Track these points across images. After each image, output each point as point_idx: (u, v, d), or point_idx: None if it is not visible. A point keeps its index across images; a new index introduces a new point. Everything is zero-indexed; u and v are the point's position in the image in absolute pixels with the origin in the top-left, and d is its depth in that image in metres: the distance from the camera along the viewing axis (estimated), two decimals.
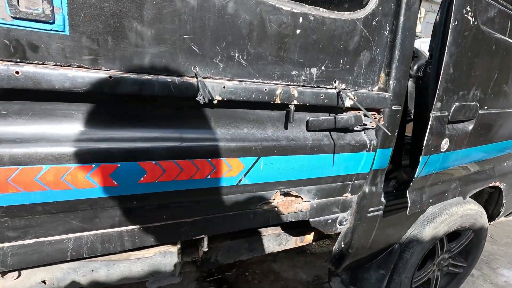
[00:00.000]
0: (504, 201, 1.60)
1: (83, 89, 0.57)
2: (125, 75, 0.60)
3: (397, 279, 1.42)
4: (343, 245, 1.21)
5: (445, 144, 1.03)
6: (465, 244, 1.63)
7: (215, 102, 0.68)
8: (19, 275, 0.87)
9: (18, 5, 0.49)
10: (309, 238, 1.42)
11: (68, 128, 0.61)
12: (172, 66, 0.65)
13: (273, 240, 1.32)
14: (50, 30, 0.53)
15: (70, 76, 0.55)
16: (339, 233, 1.21)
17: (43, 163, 0.58)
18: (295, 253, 2.11)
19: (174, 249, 1.10)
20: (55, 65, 0.56)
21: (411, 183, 1.02)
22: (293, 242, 1.37)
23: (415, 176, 1.00)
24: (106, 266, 1.02)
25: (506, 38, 1.11)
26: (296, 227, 1.33)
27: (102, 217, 0.71)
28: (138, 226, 0.77)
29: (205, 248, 1.05)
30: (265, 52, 0.73)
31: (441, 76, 0.90)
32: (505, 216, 1.89)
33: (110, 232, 0.74)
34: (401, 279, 1.44)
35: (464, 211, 1.46)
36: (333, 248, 1.25)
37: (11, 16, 0.49)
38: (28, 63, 0.53)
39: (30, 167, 0.57)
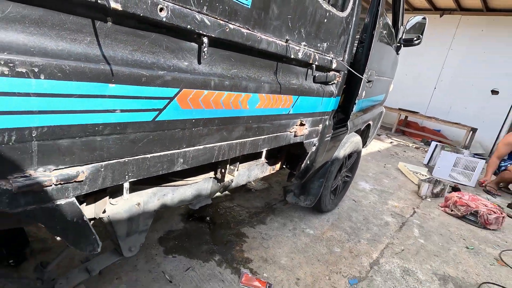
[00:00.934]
0: (370, 134, 2.73)
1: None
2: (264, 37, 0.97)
3: (326, 185, 2.25)
4: (308, 162, 1.87)
5: (364, 94, 1.84)
6: (353, 162, 2.67)
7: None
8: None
9: None
10: (277, 167, 2.00)
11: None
12: (277, 34, 1.05)
13: (260, 168, 1.82)
14: (242, 3, 0.84)
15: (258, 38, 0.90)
16: (295, 162, 1.85)
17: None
18: (244, 192, 2.68)
19: (211, 176, 1.45)
20: (241, 27, 0.87)
21: (350, 116, 1.78)
22: (268, 170, 1.92)
23: (352, 112, 1.76)
24: (172, 190, 1.29)
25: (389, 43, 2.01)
26: (270, 160, 1.88)
27: (235, 130, 1.04)
28: (249, 140, 1.13)
29: (231, 176, 1.45)
30: (312, 30, 1.22)
31: (369, 56, 1.65)
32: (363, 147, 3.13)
33: (233, 143, 1.07)
34: (328, 185, 2.28)
35: (355, 140, 2.42)
36: (301, 166, 1.89)
37: None
38: (230, 23, 0.83)
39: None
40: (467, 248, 2.44)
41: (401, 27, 2.41)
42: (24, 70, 0.49)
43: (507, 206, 3.56)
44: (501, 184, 4.18)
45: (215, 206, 2.34)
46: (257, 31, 0.93)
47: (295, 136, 1.47)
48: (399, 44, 2.45)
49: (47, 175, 0.58)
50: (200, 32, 0.73)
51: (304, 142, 1.61)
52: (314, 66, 1.32)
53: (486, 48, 6.51)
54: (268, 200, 2.62)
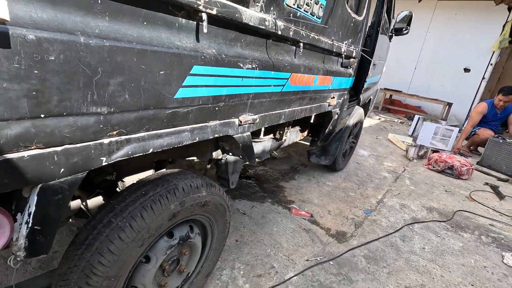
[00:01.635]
0: (369, 107, 3.39)
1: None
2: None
3: (340, 147, 2.90)
4: (331, 127, 2.49)
5: (370, 74, 2.46)
6: (357, 131, 3.33)
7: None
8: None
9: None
10: (305, 134, 2.61)
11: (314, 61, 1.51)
12: (327, 36, 1.63)
13: (296, 134, 2.43)
14: (315, 21, 1.42)
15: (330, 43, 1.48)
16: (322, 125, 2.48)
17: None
18: (272, 160, 3.30)
19: (272, 137, 2.04)
20: (315, 35, 1.44)
21: (362, 90, 2.40)
22: (300, 135, 2.53)
23: (363, 88, 2.39)
24: (255, 144, 1.86)
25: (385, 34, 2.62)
26: (301, 129, 2.48)
27: (305, 99, 1.63)
28: (308, 106, 1.73)
29: (285, 136, 2.05)
30: (344, 31, 1.80)
31: (375, 48, 2.26)
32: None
33: (302, 108, 1.66)
34: (341, 147, 2.92)
35: (360, 112, 3.06)
36: (325, 131, 2.49)
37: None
38: (311, 33, 1.41)
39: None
40: (446, 191, 3.19)
41: (393, 19, 3.03)
42: (250, 66, 1.06)
43: (477, 164, 4.37)
44: (472, 147, 5.02)
45: (255, 169, 2.94)
46: (322, 36, 1.51)
47: (329, 105, 2.08)
48: (391, 34, 3.08)
49: (248, 119, 1.16)
50: (298, 39, 1.31)
51: (332, 110, 2.22)
52: (343, 55, 1.92)
53: (459, 31, 7.28)
54: (291, 164, 3.25)
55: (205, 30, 0.80)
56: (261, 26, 1.02)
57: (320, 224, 2.17)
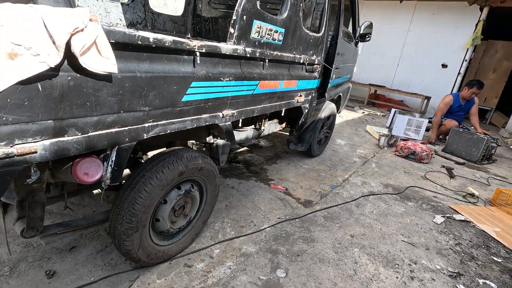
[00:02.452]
0: (342, 103, 3.99)
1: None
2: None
3: (314, 136, 3.48)
4: (303, 119, 3.08)
5: (334, 76, 3.06)
6: (330, 122, 3.92)
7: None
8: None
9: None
10: (283, 125, 3.21)
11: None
12: (289, 51, 2.22)
13: (275, 125, 3.02)
14: (277, 43, 2.00)
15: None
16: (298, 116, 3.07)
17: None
18: (258, 148, 3.89)
19: (253, 127, 2.64)
20: (278, 52, 2.03)
21: (327, 89, 3.00)
22: (279, 127, 3.12)
23: (328, 87, 2.98)
24: (238, 133, 2.46)
25: (349, 42, 3.21)
26: (280, 120, 3.07)
27: (273, 98, 2.22)
28: (277, 103, 2.32)
29: (263, 127, 2.64)
30: (304, 46, 2.39)
31: (336, 53, 2.85)
32: (337, 113, 4.39)
33: (272, 105, 2.25)
34: (315, 136, 3.51)
35: (331, 107, 3.66)
36: (299, 122, 3.08)
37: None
38: (274, 52, 1.99)
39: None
40: (405, 172, 3.81)
41: (358, 28, 3.62)
42: (228, 79, 1.65)
43: (442, 151, 4.99)
44: (440, 136, 5.64)
45: (244, 155, 3.54)
46: (283, 52, 2.10)
47: (297, 102, 2.67)
48: (357, 41, 3.67)
49: (229, 113, 1.74)
50: (263, 57, 1.88)
51: (301, 106, 2.82)
52: (306, 64, 2.51)
53: (436, 29, 7.86)
54: (275, 152, 3.85)
55: (198, 61, 1.39)
56: (234, 53, 1.60)
57: (292, 195, 2.78)
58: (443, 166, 4.18)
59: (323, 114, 3.42)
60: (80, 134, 1.02)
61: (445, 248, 2.29)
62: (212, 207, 2.00)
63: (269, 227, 2.24)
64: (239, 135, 2.43)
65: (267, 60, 1.93)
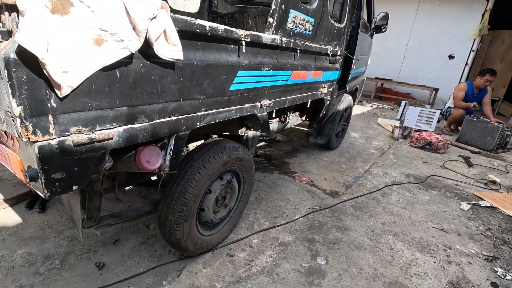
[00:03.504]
0: (357, 95, 4.00)
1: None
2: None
3: (333, 128, 3.50)
4: (324, 112, 3.10)
5: (354, 67, 3.07)
6: (347, 115, 3.93)
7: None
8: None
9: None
10: (303, 118, 3.22)
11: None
12: (317, 42, 2.23)
13: (296, 118, 3.04)
14: (307, 33, 2.01)
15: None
16: (318, 110, 3.08)
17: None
18: (276, 143, 3.91)
19: (278, 120, 2.65)
20: (308, 43, 2.04)
21: (348, 81, 3.01)
22: (299, 120, 3.14)
23: (349, 78, 2.99)
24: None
25: (366, 33, 3.22)
26: (300, 114, 3.08)
27: (302, 89, 2.23)
28: (305, 94, 2.33)
29: (288, 119, 2.66)
30: (329, 37, 2.40)
31: (356, 45, 2.86)
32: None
33: (300, 96, 2.27)
34: (334, 128, 3.53)
35: (349, 99, 3.67)
36: (320, 114, 3.10)
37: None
38: (305, 42, 2.01)
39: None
40: (423, 162, 3.82)
41: (373, 19, 3.62)
42: (267, 68, 1.66)
43: (456, 140, 4.99)
44: (452, 126, 5.64)
45: (263, 150, 3.56)
46: (312, 43, 2.11)
47: (321, 93, 2.69)
48: (372, 32, 3.67)
49: (266, 103, 1.76)
50: (296, 47, 1.90)
51: (324, 97, 2.83)
52: (330, 54, 2.52)
53: (442, 21, 7.84)
54: (292, 145, 3.87)
55: (244, 50, 1.40)
56: (273, 43, 1.62)
57: (318, 187, 2.80)
58: (460, 156, 4.19)
59: (342, 106, 3.43)
60: (147, 121, 1.04)
61: (476, 234, 2.30)
62: (248, 198, 2.02)
63: (301, 217, 2.26)
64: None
65: (298, 51, 1.95)
